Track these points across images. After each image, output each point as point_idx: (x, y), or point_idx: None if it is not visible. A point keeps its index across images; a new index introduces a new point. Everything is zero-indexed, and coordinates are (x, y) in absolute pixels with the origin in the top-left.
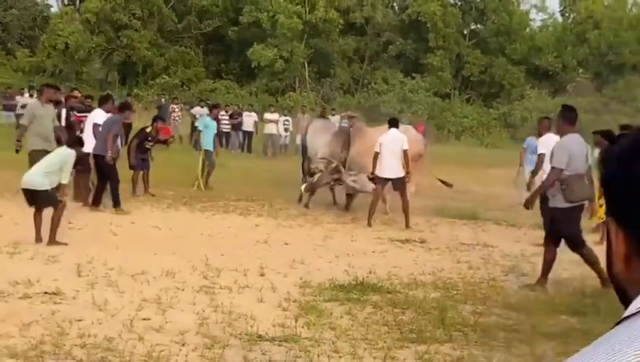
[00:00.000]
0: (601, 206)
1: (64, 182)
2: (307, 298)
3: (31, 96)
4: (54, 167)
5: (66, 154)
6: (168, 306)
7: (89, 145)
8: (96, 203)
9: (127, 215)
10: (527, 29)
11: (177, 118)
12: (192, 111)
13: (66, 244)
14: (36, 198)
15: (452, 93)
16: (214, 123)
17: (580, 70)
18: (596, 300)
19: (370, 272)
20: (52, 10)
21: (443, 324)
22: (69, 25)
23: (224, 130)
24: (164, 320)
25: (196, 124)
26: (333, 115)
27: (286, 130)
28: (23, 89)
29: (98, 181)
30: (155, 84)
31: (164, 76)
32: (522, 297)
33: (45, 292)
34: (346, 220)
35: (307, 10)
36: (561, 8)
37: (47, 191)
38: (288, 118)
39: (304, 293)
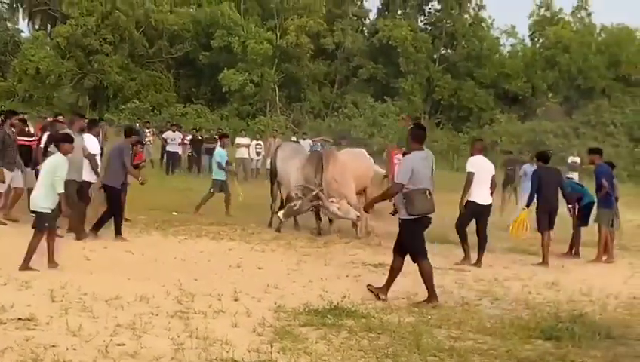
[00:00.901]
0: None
1: (60, 190)
2: (282, 323)
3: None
4: (51, 179)
5: (56, 160)
6: (143, 331)
7: (85, 174)
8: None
9: (99, 239)
10: (497, 54)
11: (149, 143)
12: (164, 135)
13: (38, 271)
14: (39, 220)
15: (422, 117)
16: (225, 152)
17: (550, 94)
18: (571, 325)
19: (344, 297)
20: (23, 35)
21: (419, 349)
22: (40, 50)
23: (193, 153)
24: (139, 346)
25: (217, 159)
26: (304, 138)
27: (258, 153)
28: None
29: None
30: (126, 108)
31: (134, 101)
32: (497, 321)
33: (19, 318)
34: (319, 244)
35: (278, 35)
36: (531, 33)
37: (46, 213)
38: (260, 141)
39: (279, 318)
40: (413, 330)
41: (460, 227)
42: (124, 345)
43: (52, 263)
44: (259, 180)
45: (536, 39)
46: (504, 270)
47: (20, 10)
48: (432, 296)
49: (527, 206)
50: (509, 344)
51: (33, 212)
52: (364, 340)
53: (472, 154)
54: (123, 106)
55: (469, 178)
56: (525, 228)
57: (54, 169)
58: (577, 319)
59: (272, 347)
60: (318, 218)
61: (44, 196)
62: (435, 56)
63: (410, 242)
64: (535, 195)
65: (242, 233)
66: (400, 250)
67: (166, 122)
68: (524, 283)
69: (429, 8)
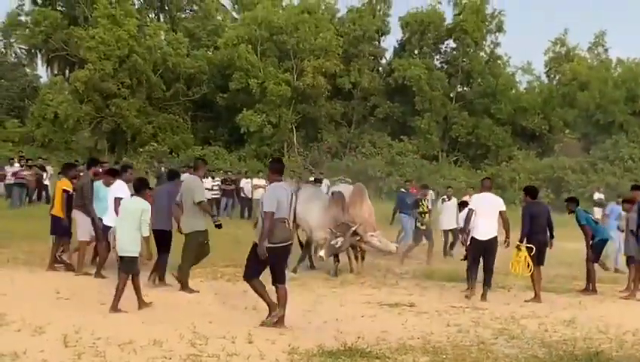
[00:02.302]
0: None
1: (145, 235)
2: None
3: (21, 166)
4: (137, 223)
5: (142, 205)
6: None
7: (110, 219)
8: (162, 278)
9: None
10: (513, 91)
11: None
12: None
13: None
14: (127, 264)
15: (440, 155)
16: None
17: (567, 130)
18: None
19: (358, 337)
20: (41, 80)
21: None
22: (58, 95)
23: (213, 196)
24: None
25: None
26: (321, 178)
27: None
28: (12, 158)
29: (159, 255)
30: (144, 151)
31: (152, 143)
32: (513, 360)
33: None
34: (335, 284)
35: (295, 76)
36: (547, 70)
37: (135, 257)
38: None
39: (292, 360)
40: None
41: (471, 266)
42: None
43: (143, 304)
44: None
45: (552, 76)
46: (520, 308)
47: (39, 55)
48: (272, 311)
49: (521, 241)
50: None
51: (121, 256)
52: None
53: (480, 192)
54: (141, 149)
55: (468, 215)
56: (527, 264)
57: (141, 213)
58: (593, 357)
59: None
60: (337, 259)
61: (134, 241)
62: (451, 94)
63: (275, 267)
64: (527, 231)
65: None
66: (273, 280)
67: (184, 165)
68: (540, 321)
69: (445, 47)
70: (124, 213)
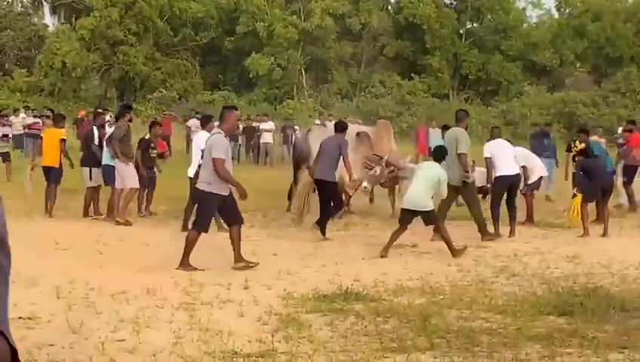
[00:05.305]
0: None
1: (445, 194)
2: (289, 310)
3: (34, 116)
4: (432, 183)
5: (437, 173)
6: (145, 325)
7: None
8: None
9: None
10: (524, 25)
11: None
12: (188, 123)
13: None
14: (426, 218)
15: (450, 93)
16: None
17: (578, 64)
18: (584, 299)
19: (355, 280)
20: (48, 29)
21: (425, 331)
22: (65, 43)
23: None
24: (138, 341)
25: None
26: (330, 120)
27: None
28: (17, 109)
29: (321, 205)
30: (153, 98)
31: (161, 90)
32: (510, 299)
33: (19, 317)
34: (339, 227)
35: (303, 18)
36: (557, 3)
37: (432, 210)
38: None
39: (286, 305)
40: (421, 312)
41: (494, 206)
42: (123, 340)
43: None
44: (285, 165)
45: (562, 9)
46: (525, 244)
47: (45, 4)
48: None
49: (582, 193)
50: (519, 321)
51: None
52: (371, 324)
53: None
54: (150, 96)
55: (487, 164)
56: (578, 213)
57: (438, 180)
58: (592, 292)
59: (273, 336)
60: (347, 202)
61: (426, 197)
62: (461, 31)
63: None
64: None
65: (262, 219)
66: None
67: (192, 110)
68: (543, 258)
69: None
70: (420, 176)
